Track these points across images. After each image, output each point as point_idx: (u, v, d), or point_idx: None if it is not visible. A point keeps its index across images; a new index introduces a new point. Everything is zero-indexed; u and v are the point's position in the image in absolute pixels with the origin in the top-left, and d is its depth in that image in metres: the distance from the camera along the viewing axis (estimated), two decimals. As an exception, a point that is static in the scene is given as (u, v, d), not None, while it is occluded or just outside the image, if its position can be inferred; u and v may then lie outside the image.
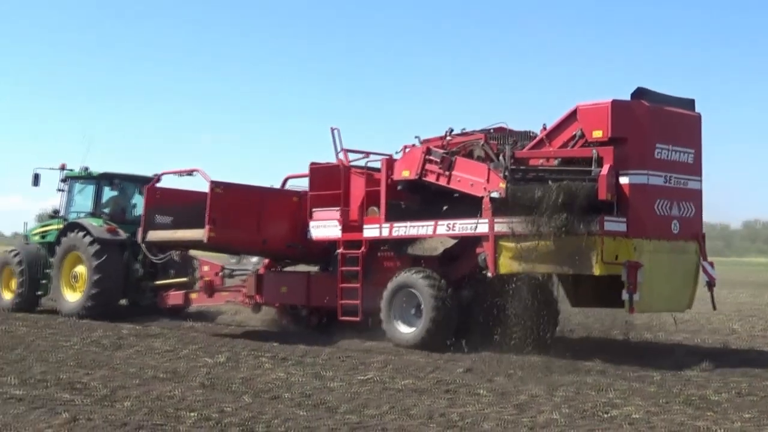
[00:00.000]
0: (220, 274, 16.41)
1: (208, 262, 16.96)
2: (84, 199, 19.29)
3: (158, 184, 16.52)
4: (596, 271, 11.42)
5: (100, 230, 17.89)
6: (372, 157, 14.98)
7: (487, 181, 12.33)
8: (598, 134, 11.71)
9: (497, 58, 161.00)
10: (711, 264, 12.58)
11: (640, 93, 12.00)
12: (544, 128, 12.82)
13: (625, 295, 11.37)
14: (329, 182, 14.57)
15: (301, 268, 16.25)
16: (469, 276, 13.24)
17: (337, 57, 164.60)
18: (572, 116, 12.08)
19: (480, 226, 12.39)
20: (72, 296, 18.06)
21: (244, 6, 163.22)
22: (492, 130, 13.65)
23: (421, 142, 13.78)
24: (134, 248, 17.61)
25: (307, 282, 15.29)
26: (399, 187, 13.79)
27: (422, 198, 13.85)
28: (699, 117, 12.65)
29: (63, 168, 19.56)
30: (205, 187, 14.83)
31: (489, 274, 12.32)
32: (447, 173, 12.99)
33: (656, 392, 9.66)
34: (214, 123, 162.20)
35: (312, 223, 14.76)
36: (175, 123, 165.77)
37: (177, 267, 17.99)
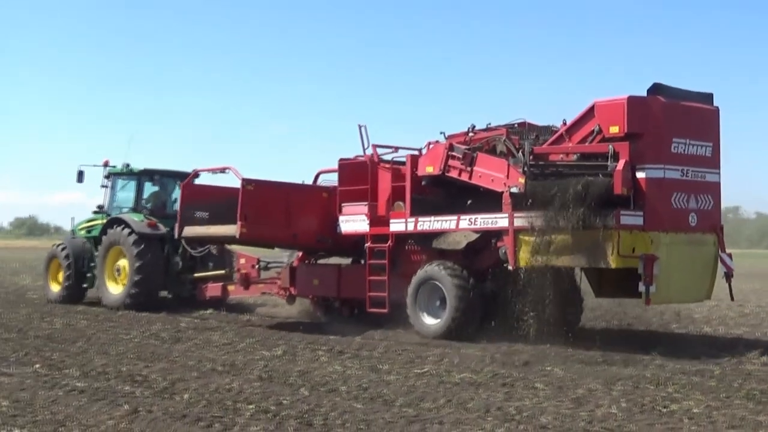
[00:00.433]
0: (256, 266, 16.87)
1: (245, 254, 17.48)
2: (126, 194, 19.93)
3: (195, 181, 17.06)
4: (613, 264, 11.67)
5: (141, 225, 18.48)
6: (399, 152, 15.25)
7: (507, 176, 12.60)
8: (614, 130, 11.91)
9: (525, 55, 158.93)
10: (729, 255, 12.72)
11: (656, 89, 12.15)
12: (564, 123, 13.08)
13: (641, 287, 11.60)
14: (357, 178, 14.93)
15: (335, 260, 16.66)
16: (493, 268, 13.56)
17: (369, 57, 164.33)
18: (590, 112, 12.28)
19: (500, 220, 12.72)
20: (115, 288, 18.69)
21: (282, 7, 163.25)
22: (515, 125, 13.96)
23: (446, 138, 14.11)
24: (174, 242, 18.06)
25: (338, 274, 15.68)
26: (423, 183, 14.12)
27: (447, 193, 14.13)
28: (717, 110, 12.75)
29: (106, 165, 20.20)
30: (237, 184, 15.26)
31: (510, 267, 12.63)
32: (469, 169, 13.28)
33: (716, 386, 9.48)
34: (254, 120, 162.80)
35: (341, 218, 15.14)
36: (222, 119, 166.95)
37: (215, 260, 18.57)
